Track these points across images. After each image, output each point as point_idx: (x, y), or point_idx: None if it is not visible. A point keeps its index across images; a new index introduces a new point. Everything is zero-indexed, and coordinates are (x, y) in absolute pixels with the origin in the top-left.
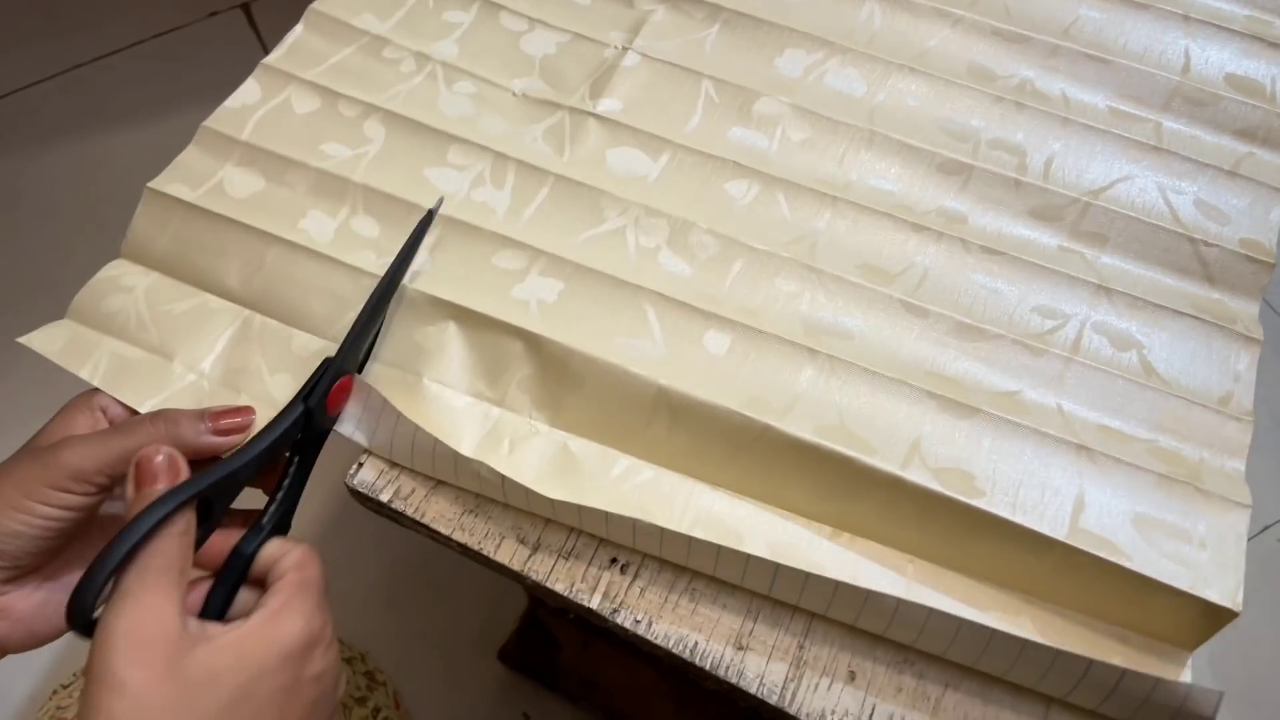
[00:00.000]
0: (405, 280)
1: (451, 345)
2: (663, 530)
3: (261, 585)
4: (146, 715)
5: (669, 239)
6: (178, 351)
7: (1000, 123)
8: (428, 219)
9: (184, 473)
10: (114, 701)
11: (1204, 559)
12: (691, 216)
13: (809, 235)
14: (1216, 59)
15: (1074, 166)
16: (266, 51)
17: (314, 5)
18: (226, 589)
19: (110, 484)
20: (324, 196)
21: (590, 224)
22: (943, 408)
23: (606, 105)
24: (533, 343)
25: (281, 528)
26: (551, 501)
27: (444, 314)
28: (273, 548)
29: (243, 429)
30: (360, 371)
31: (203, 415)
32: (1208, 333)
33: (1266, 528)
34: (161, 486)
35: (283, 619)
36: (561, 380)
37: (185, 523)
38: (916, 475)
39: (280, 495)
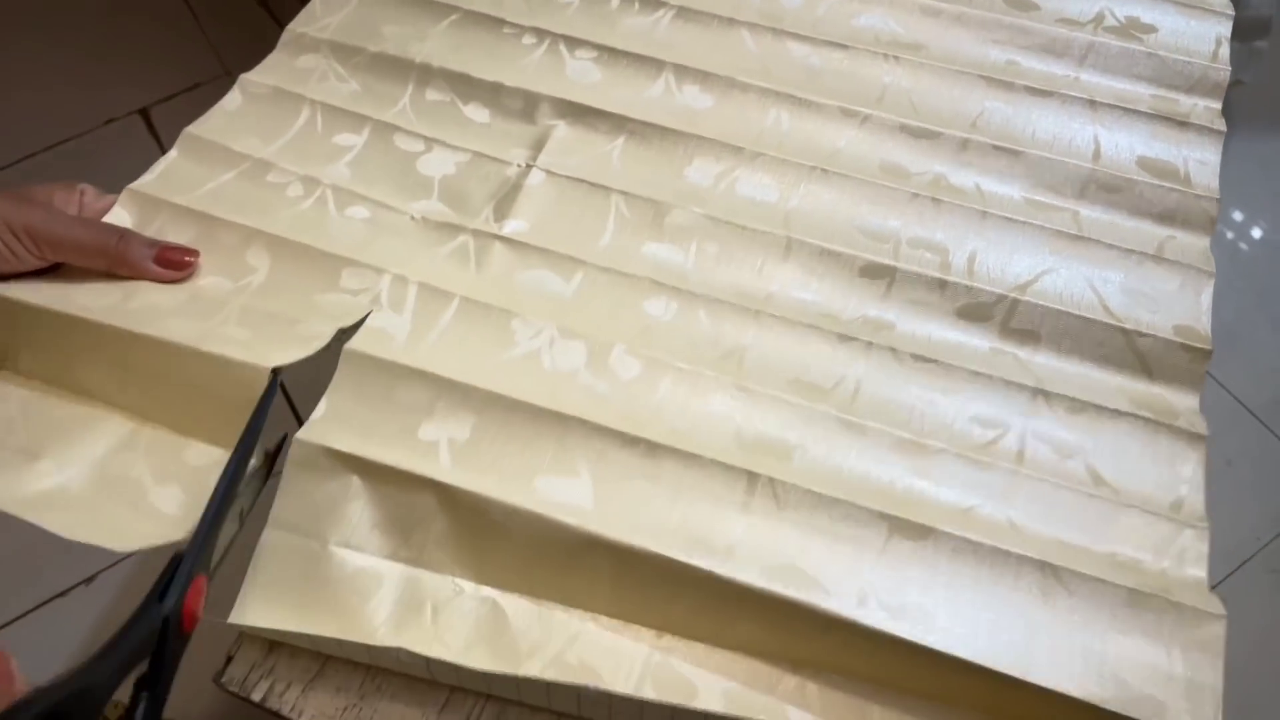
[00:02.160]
0: (300, 433)
1: (356, 503)
2: (611, 696)
3: None
4: None
5: (588, 361)
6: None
7: (918, 221)
8: (270, 391)
9: (17, 682)
10: None
11: (1179, 684)
12: (611, 337)
13: (735, 352)
14: (1126, 143)
15: (997, 261)
16: None
17: (189, 129)
18: None
19: (51, 261)
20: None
21: (501, 347)
22: (894, 529)
23: (513, 226)
24: (446, 494)
25: None
26: (485, 675)
27: (345, 468)
28: None
29: (184, 266)
30: (211, 572)
31: (153, 243)
32: (1152, 433)
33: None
34: None
35: None
36: (483, 532)
37: None
38: (873, 617)
39: None
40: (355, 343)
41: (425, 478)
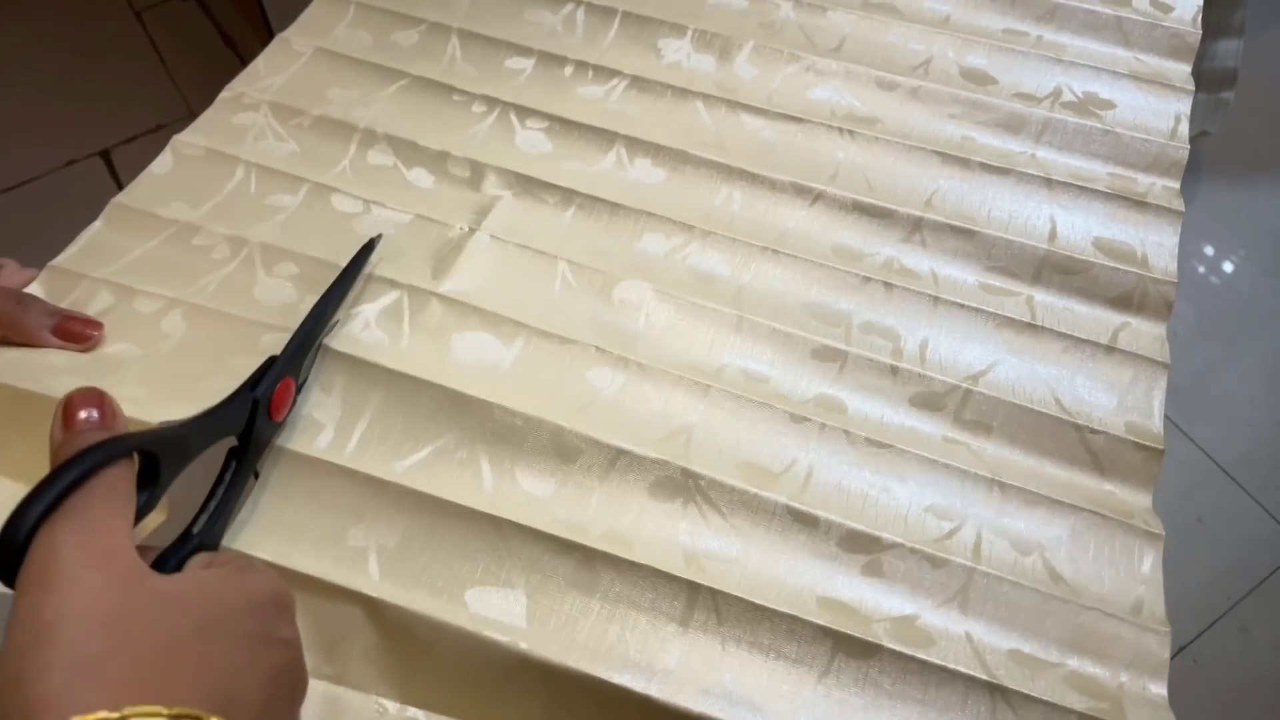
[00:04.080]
0: (225, 541)
1: None
2: None
3: None
4: (104, 620)
5: (526, 447)
6: None
7: (870, 305)
8: (369, 247)
9: (119, 416)
10: (68, 600)
11: None
12: (551, 414)
13: (682, 431)
14: (1083, 223)
15: (949, 350)
16: None
17: (117, 198)
18: None
19: None
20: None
21: (434, 436)
22: (839, 647)
23: (452, 285)
24: (374, 607)
25: (209, 543)
26: None
27: None
28: (201, 560)
29: (85, 339)
30: (300, 381)
31: (55, 312)
32: (1109, 531)
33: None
34: (93, 423)
35: (248, 575)
36: (411, 649)
37: (130, 466)
38: None
39: (213, 505)
40: (282, 438)
41: (352, 590)
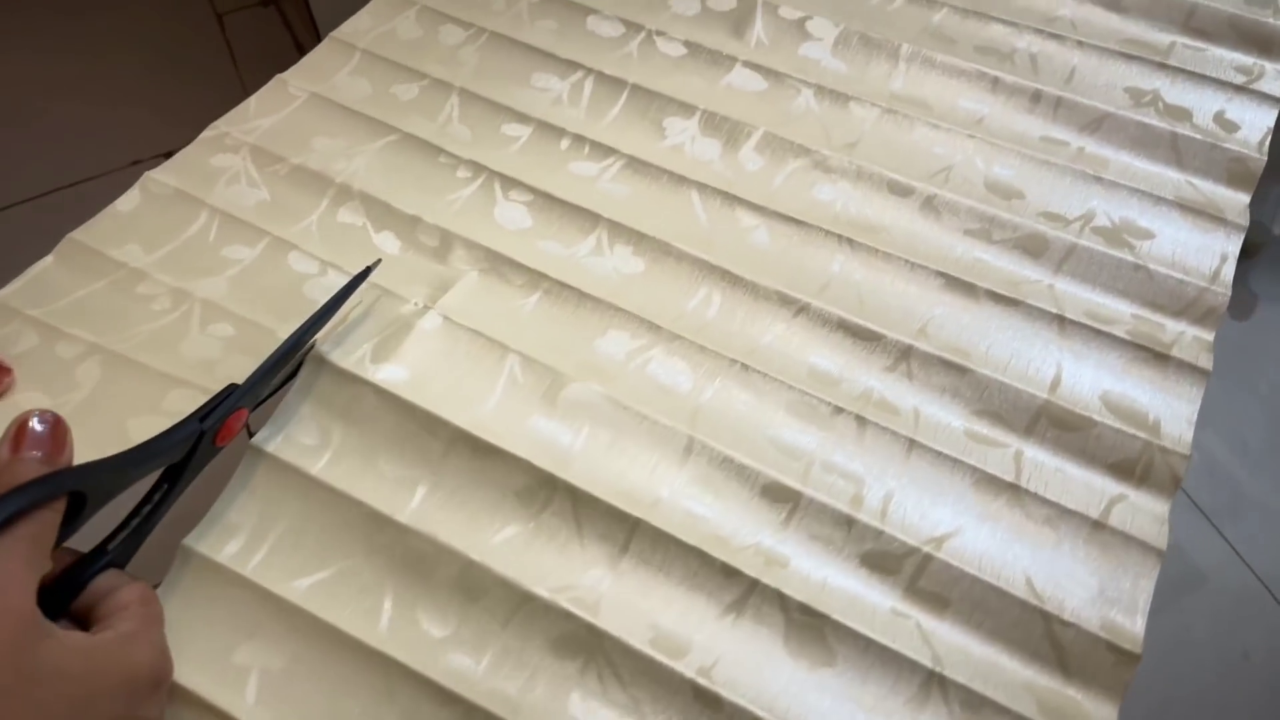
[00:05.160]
0: None
1: None
2: None
3: (84, 617)
4: None
5: (432, 580)
6: None
7: (838, 443)
8: (362, 275)
9: (68, 447)
10: None
11: None
12: (463, 545)
13: (597, 585)
14: (1092, 374)
15: (916, 506)
16: None
17: (72, 234)
18: (50, 612)
19: None
20: None
21: (341, 557)
22: None
23: (391, 373)
24: None
25: (122, 559)
26: None
27: None
28: (110, 578)
29: (49, 450)
30: (253, 408)
31: None
32: None
33: None
34: (38, 453)
35: (136, 645)
36: None
37: (59, 509)
38: None
39: (135, 522)
40: (194, 538)
41: (223, 712)
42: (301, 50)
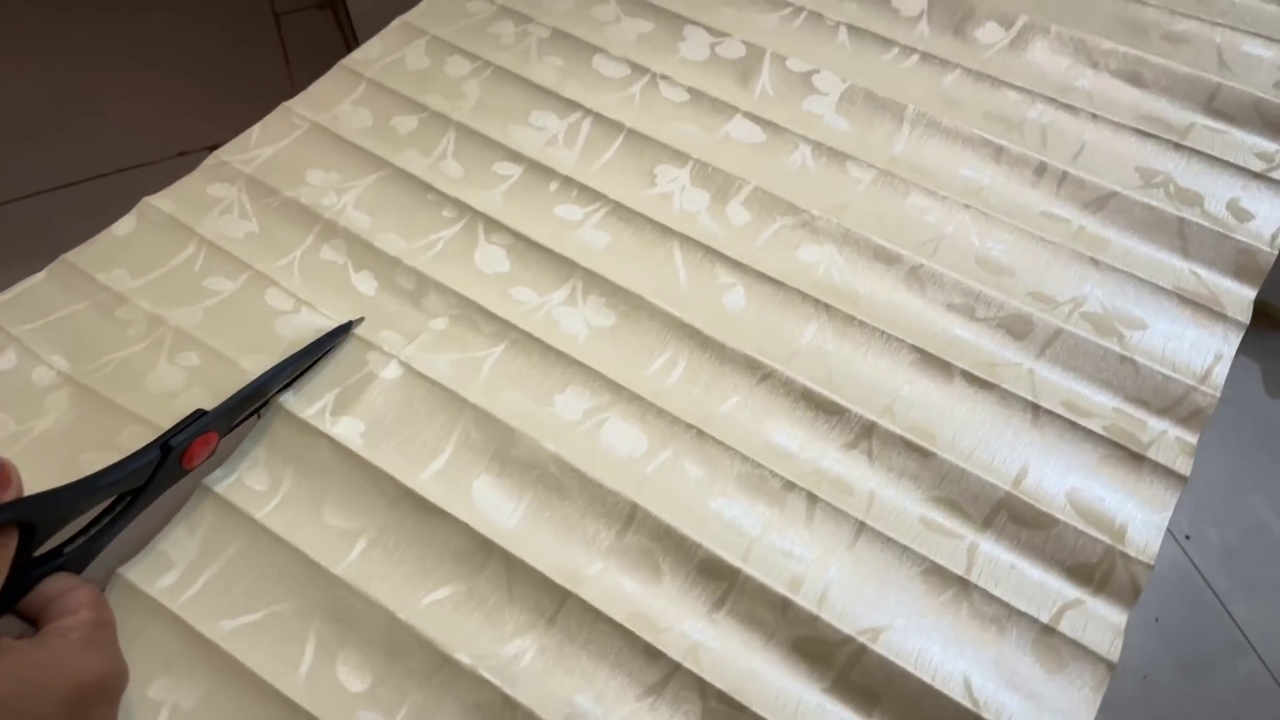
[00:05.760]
0: None
1: None
2: None
3: (33, 617)
4: None
5: (357, 634)
6: None
7: (784, 521)
8: (345, 328)
9: (13, 483)
10: None
11: None
12: (392, 603)
13: (520, 656)
14: (1061, 470)
15: (857, 594)
16: None
17: (66, 255)
18: None
19: None
20: None
21: (271, 601)
22: None
23: (346, 426)
24: None
25: (77, 564)
26: None
27: None
28: (61, 581)
29: None
30: (224, 434)
31: None
32: None
33: None
34: None
35: (84, 653)
36: None
37: (9, 538)
38: None
39: (94, 530)
40: (128, 567)
41: None
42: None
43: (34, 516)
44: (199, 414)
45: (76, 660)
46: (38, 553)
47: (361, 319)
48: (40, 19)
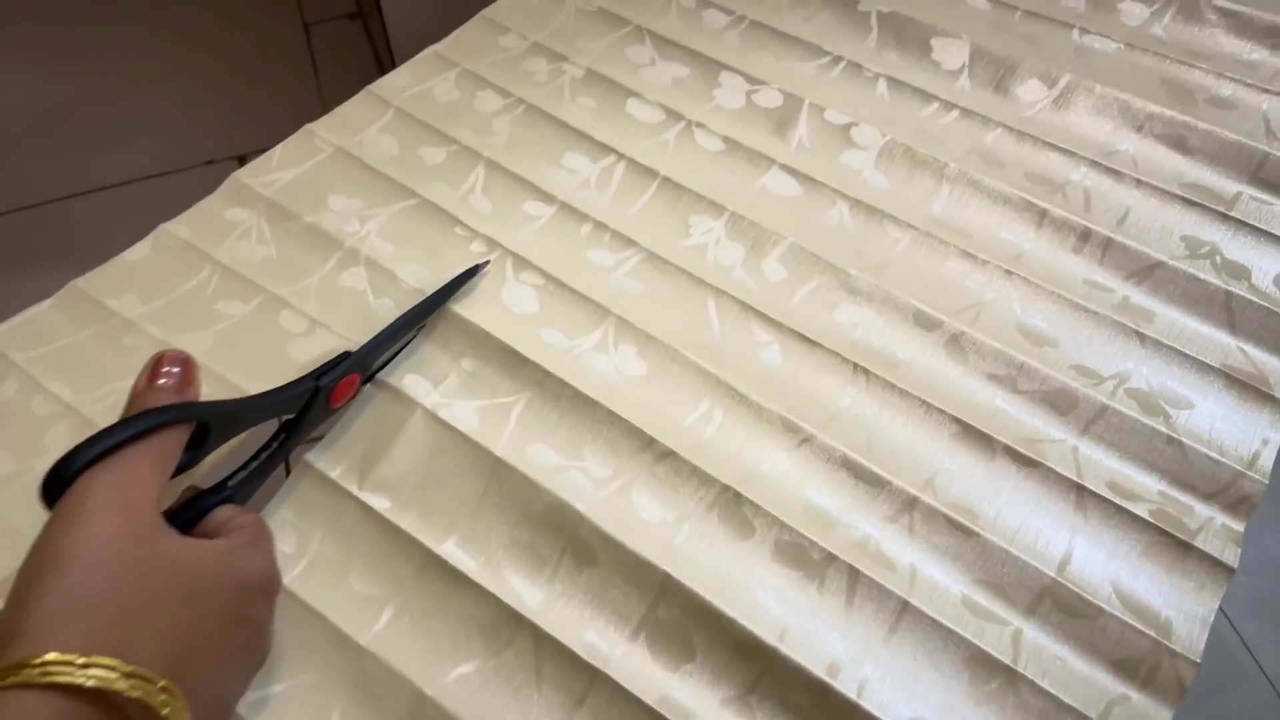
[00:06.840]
0: None
1: None
2: None
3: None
4: (104, 566)
5: (382, 710)
6: None
7: (821, 601)
8: (474, 270)
9: (195, 383)
10: (80, 540)
11: None
12: (419, 678)
13: None
14: (1105, 558)
15: (898, 684)
16: None
17: (76, 281)
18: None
19: None
20: None
21: (298, 673)
22: None
23: (374, 486)
24: None
25: (241, 497)
26: None
27: None
28: (227, 511)
29: (179, 383)
30: (369, 381)
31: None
32: None
33: None
34: (166, 383)
35: (247, 552)
36: None
37: (184, 432)
38: None
39: (254, 465)
40: None
41: None
42: (381, 67)
43: (210, 418)
44: (345, 355)
45: (246, 556)
46: (205, 486)
47: (488, 261)
48: (67, 24)
